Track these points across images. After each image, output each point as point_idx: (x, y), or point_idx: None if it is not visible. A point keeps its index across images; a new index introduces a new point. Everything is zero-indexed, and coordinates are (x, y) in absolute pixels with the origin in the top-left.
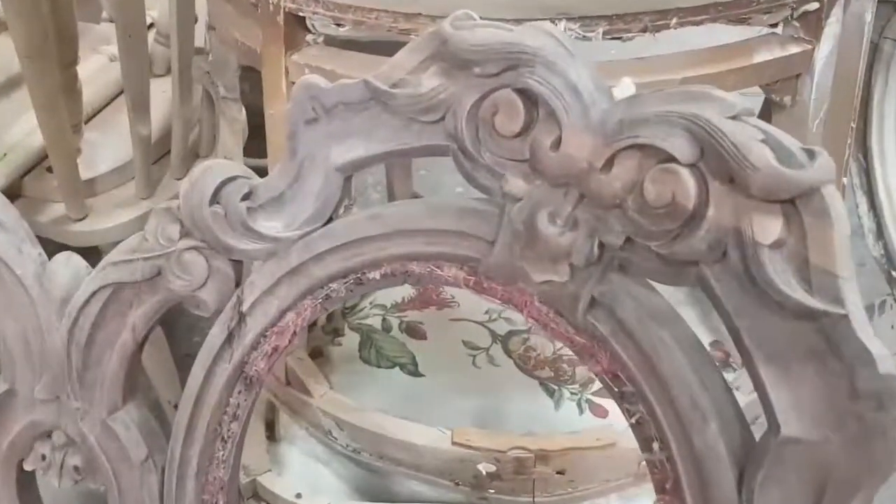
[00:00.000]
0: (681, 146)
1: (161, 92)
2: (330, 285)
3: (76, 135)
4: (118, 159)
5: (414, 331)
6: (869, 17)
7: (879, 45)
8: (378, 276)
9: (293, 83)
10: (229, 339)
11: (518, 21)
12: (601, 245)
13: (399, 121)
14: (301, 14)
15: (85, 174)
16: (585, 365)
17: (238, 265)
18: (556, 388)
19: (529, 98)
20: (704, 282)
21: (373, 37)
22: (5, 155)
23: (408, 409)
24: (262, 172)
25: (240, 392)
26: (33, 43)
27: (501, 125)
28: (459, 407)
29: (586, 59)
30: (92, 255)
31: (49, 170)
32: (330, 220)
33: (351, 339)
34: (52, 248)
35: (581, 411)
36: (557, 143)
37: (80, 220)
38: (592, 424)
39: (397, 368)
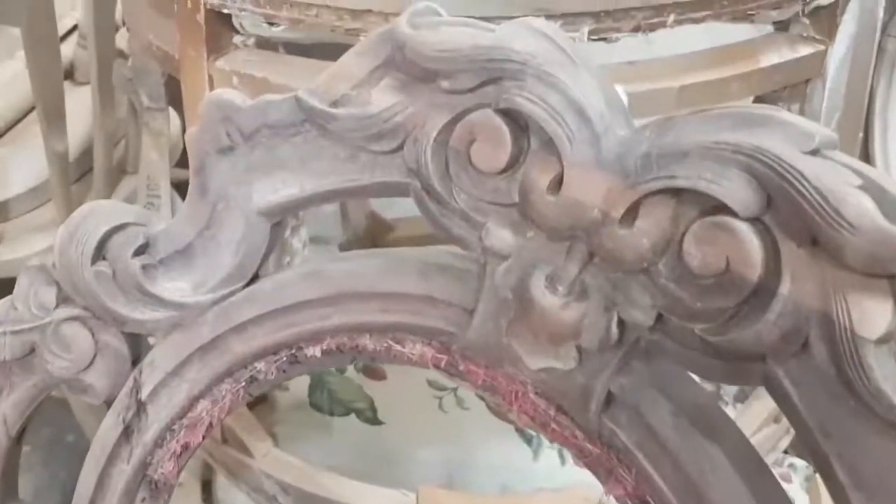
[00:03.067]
0: (738, 193)
1: (84, 102)
2: (255, 365)
3: None
4: (34, 179)
5: (371, 370)
6: (881, 12)
7: (882, 44)
8: (318, 353)
9: None
10: (126, 433)
11: (489, 20)
12: (622, 323)
13: (343, 150)
14: (226, 11)
15: None
16: (603, 485)
17: (135, 339)
18: (533, 434)
19: (517, 122)
20: (774, 384)
21: (314, 38)
22: None
23: (365, 465)
24: None
25: (144, 500)
26: None
27: (480, 158)
28: (425, 460)
29: (593, 67)
30: (6, 288)
31: None
32: (254, 279)
33: (299, 382)
34: None
35: (563, 461)
36: (558, 184)
37: None
38: (576, 478)
39: (353, 415)
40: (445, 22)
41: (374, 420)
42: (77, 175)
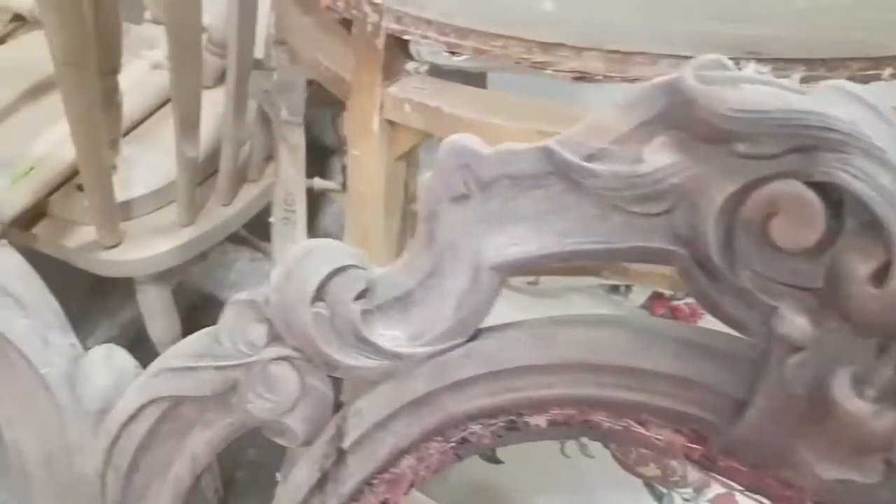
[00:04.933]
0: None
1: (210, 107)
2: (469, 426)
3: (112, 150)
4: (158, 180)
5: None
6: None
7: None
8: (543, 424)
9: (387, 120)
10: (321, 483)
11: (687, 58)
12: None
13: (593, 207)
14: (406, 38)
15: (120, 195)
16: None
17: (338, 383)
18: (664, 491)
19: (830, 197)
20: None
21: (486, 67)
22: (31, 169)
23: None
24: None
25: None
26: (72, 47)
27: (781, 234)
28: None
29: None
30: (125, 286)
31: (80, 188)
32: (476, 335)
33: None
34: (79, 276)
35: None
36: (883, 275)
37: (113, 247)
38: None
39: None
40: (744, 79)
41: (493, 459)
42: (200, 179)
